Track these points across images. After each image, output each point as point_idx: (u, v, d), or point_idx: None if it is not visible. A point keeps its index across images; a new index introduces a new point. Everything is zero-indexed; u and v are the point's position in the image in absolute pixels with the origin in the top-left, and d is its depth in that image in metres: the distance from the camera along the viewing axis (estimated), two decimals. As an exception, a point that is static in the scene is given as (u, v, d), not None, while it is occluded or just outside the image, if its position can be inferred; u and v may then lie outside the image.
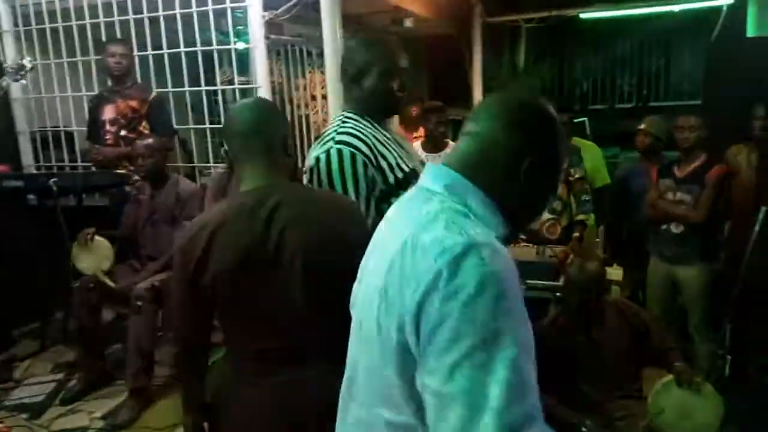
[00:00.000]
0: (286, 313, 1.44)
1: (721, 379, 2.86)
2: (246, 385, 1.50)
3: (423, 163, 1.70)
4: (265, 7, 3.62)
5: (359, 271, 1.10)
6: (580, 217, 3.73)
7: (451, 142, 3.90)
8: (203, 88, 3.89)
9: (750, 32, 5.42)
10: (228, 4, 3.63)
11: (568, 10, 6.16)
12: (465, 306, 0.79)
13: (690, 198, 3.24)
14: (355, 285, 1.10)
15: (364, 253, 1.10)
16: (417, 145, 3.96)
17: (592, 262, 2.65)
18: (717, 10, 5.65)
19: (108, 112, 3.77)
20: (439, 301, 0.81)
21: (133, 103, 3.75)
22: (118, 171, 3.69)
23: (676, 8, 6.65)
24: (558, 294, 2.96)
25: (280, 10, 3.67)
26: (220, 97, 3.94)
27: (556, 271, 3.22)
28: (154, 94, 3.82)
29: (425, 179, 1.02)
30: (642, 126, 3.89)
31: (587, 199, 3.77)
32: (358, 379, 1.02)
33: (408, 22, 4.80)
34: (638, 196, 3.71)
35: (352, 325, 1.06)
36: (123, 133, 3.75)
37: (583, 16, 6.61)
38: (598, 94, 8.81)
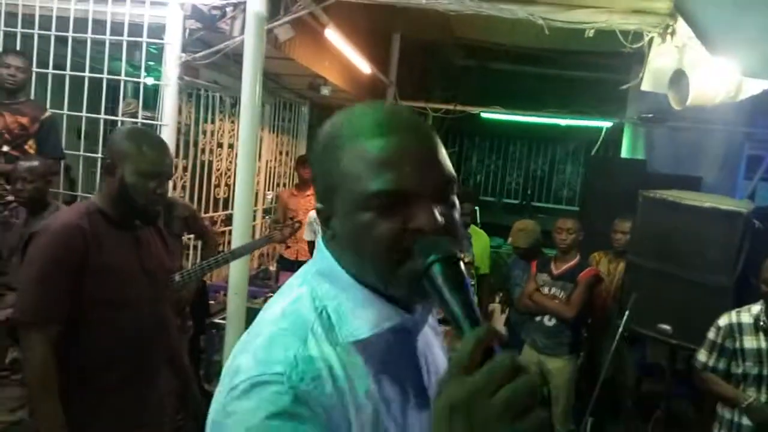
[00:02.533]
0: None
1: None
2: None
3: None
4: (183, 49, 3.58)
5: None
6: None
7: None
8: (103, 116, 3.71)
9: (624, 154, 6.14)
10: (144, 38, 3.56)
11: (471, 107, 6.68)
12: None
13: (563, 294, 3.50)
14: None
15: None
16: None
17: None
18: (598, 130, 6.36)
19: (-8, 125, 3.47)
20: None
21: (23, 120, 3.48)
22: (-8, 187, 3.36)
23: (562, 122, 7.41)
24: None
25: (199, 55, 3.64)
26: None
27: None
28: (47, 113, 3.58)
29: (315, 255, 0.84)
30: (510, 240, 4.14)
31: (473, 283, 3.96)
32: None
33: (325, 90, 4.93)
34: (517, 288, 3.97)
35: None
36: (5, 148, 3.45)
37: (483, 115, 7.17)
38: (489, 187, 9.45)
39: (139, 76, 3.66)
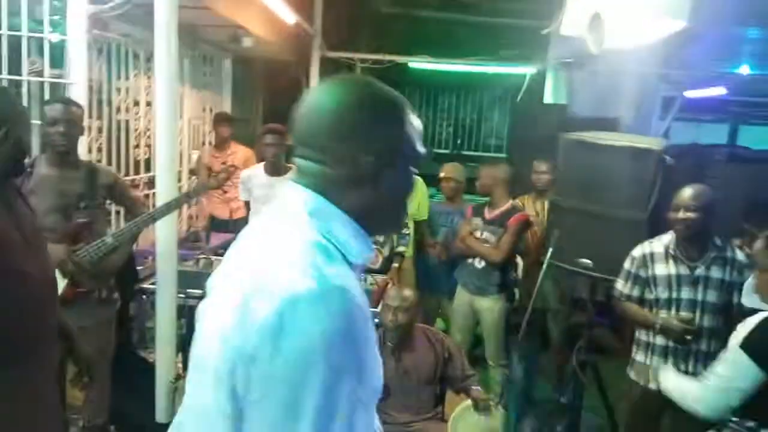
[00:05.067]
0: None
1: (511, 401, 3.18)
2: None
3: None
4: (90, 0, 3.36)
5: (209, 286, 1.00)
6: (400, 248, 3.98)
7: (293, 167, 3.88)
8: (5, 76, 3.46)
9: (548, 99, 6.29)
10: (46, -10, 3.31)
11: (399, 57, 6.65)
12: (295, 368, 0.78)
13: (494, 238, 3.61)
14: (205, 303, 0.99)
15: None
16: (260, 168, 3.87)
17: (408, 288, 2.82)
18: (523, 76, 6.48)
19: None
20: (269, 357, 0.79)
21: None
22: None
23: (489, 70, 7.50)
24: (376, 320, 3.08)
25: (107, 6, 3.42)
26: (25, 89, 3.53)
27: (376, 299, 3.34)
28: (-57, 75, 3.31)
29: (289, 201, 0.94)
30: (443, 174, 4.28)
31: (407, 232, 4.03)
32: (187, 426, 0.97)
33: (247, 42, 4.75)
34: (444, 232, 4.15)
35: (192, 359, 0.96)
36: None
37: (411, 65, 7.15)
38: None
39: (42, 32, 3.41)
